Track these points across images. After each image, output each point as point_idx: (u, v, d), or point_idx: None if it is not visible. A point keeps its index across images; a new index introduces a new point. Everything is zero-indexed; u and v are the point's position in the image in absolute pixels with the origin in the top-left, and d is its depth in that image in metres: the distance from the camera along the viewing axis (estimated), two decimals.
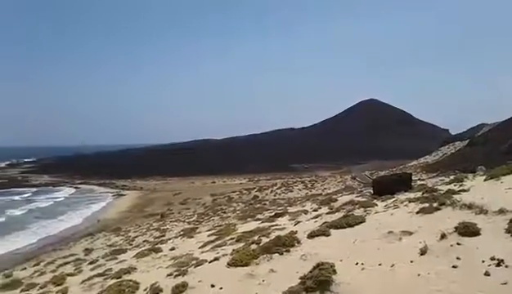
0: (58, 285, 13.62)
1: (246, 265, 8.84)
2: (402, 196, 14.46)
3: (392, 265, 6.62)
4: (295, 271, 7.53)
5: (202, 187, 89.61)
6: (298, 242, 9.62)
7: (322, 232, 9.93)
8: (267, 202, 44.38)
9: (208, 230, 20.74)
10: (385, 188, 18.52)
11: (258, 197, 57.82)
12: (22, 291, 15.30)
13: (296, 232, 10.84)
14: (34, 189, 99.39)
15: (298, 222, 14.57)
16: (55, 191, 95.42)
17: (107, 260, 17.23)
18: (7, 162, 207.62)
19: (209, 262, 10.24)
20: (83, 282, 12.56)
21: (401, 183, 18.62)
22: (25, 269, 27.71)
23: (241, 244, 11.67)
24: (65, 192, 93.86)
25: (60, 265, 21.38)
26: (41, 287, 14.37)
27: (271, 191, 62.77)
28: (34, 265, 27.68)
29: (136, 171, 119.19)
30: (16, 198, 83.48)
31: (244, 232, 14.58)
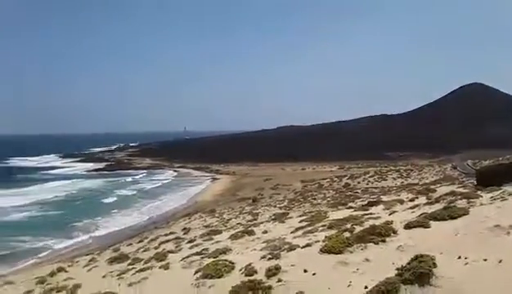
0: (160, 261, 14.66)
1: (339, 252, 8.78)
2: (511, 188, 13.30)
3: (500, 261, 6.14)
4: (391, 262, 7.31)
5: (292, 173, 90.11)
6: (395, 232, 9.31)
7: (421, 223, 9.50)
8: (359, 191, 43.39)
9: (299, 216, 20.86)
10: (490, 179, 17.11)
11: (349, 185, 56.77)
12: (129, 264, 16.72)
13: (392, 222, 10.50)
14: (141, 172, 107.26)
15: (394, 212, 14.09)
16: (157, 174, 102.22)
17: (204, 240, 18.13)
18: (115, 146, 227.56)
19: (302, 247, 10.33)
20: (183, 259, 13.36)
21: (510, 174, 17.06)
22: (131, 244, 30.22)
23: (333, 231, 11.59)
24: (167, 175, 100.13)
25: (162, 243, 22.92)
26: (145, 262, 15.56)
27: (364, 179, 61.17)
28: (139, 242, 30.06)
29: (230, 157, 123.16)
30: (124, 179, 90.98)
31: (335, 219, 14.44)
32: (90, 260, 23.88)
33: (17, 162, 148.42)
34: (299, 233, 13.45)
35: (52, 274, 20.06)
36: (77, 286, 13.45)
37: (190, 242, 19.24)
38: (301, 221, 17.18)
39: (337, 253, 8.74)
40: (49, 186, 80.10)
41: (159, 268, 13.07)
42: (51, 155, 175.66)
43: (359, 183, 58.51)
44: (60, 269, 20.93)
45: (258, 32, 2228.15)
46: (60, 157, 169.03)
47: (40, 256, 36.47)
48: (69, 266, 22.91)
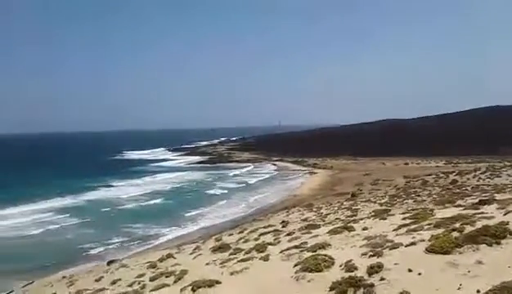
0: (260, 252, 15.00)
1: (447, 252, 8.25)
2: None
3: None
4: (507, 265, 6.72)
5: (393, 168, 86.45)
6: (511, 233, 8.50)
7: None
8: (469, 188, 40.22)
9: (402, 213, 19.95)
10: None
11: (457, 181, 52.84)
12: (230, 254, 17.37)
13: (507, 222, 9.59)
14: (241, 165, 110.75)
15: (510, 212, 12.84)
16: (256, 167, 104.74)
17: (302, 234, 18.18)
18: (218, 140, 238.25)
19: (405, 246, 9.89)
20: (282, 251, 13.54)
21: None
22: (232, 235, 31.33)
23: (440, 230, 10.90)
24: (265, 168, 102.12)
25: (261, 234, 23.42)
26: (246, 253, 16.04)
27: (474, 176, 56.47)
28: (239, 233, 31.05)
29: (327, 150, 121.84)
30: (225, 172, 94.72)
31: (443, 218, 13.56)
32: (195, 249, 25.28)
33: (130, 155, 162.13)
34: (402, 230, 12.87)
35: (162, 260, 21.61)
36: (184, 272, 14.31)
37: (288, 235, 19.42)
38: (404, 218, 16.42)
39: (445, 253, 8.23)
40: (159, 178, 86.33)
41: (259, 259, 13.38)
42: (160, 149, 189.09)
43: (468, 179, 54.20)
44: (169, 256, 22.46)
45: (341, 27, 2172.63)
46: (168, 150, 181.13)
47: (151, 242, 39.48)
48: (176, 253, 24.50)
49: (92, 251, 36.35)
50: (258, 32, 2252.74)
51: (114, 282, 18.11)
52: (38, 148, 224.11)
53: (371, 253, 9.80)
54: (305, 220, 30.76)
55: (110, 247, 37.78)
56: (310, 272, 9.31)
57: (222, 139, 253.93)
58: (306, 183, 74.14)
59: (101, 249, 37.00)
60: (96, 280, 20.92)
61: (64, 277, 27.92)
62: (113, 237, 40.42)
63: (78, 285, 21.34)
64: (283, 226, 27.49)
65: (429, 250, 8.60)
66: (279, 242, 17.48)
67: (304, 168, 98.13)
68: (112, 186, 74.99)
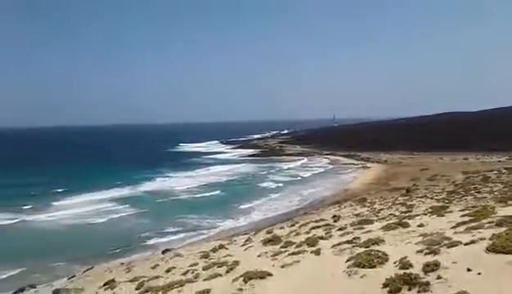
0: (311, 246, 14.95)
1: (510, 252, 7.84)
2: None
3: None
4: None
5: (452, 163, 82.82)
6: None
7: None
8: None
9: (461, 210, 19.13)
10: None
11: None
12: (281, 247, 17.43)
13: None
14: (292, 158, 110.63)
15: None
16: (308, 160, 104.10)
17: (354, 229, 17.92)
18: (268, 134, 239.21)
19: (464, 244, 9.50)
20: (334, 246, 13.42)
21: None
22: (283, 228, 31.41)
23: (503, 229, 10.36)
24: (316, 162, 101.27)
25: (313, 228, 23.34)
26: (297, 246, 16.04)
27: None
28: (290, 226, 31.09)
29: (381, 144, 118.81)
30: (277, 165, 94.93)
31: (506, 216, 12.88)
32: (246, 240, 25.60)
33: (186, 147, 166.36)
34: (461, 228, 12.36)
35: (214, 250, 22.09)
36: (236, 263, 14.55)
37: (340, 229, 19.20)
38: (463, 216, 15.74)
39: (507, 253, 7.82)
40: (212, 170, 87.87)
41: (311, 253, 13.35)
42: (214, 141, 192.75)
43: None
44: (221, 247, 22.93)
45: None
46: (221, 143, 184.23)
47: (204, 233, 40.39)
48: (228, 244, 24.95)
49: (149, 240, 37.72)
50: (313, 24, 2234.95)
51: (168, 271, 18.74)
52: (97, 140, 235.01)
53: (427, 251, 9.51)
54: (357, 215, 30.27)
55: (165, 236, 39.03)
56: (363, 268, 9.18)
57: (273, 132, 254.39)
58: (358, 177, 72.76)
59: (157, 238, 38.31)
60: (152, 268, 21.74)
61: (122, 263, 29.25)
62: (168, 227, 41.75)
63: (135, 272, 22.28)
64: (334, 221, 27.19)
65: (490, 249, 8.21)
66: (330, 236, 17.34)
67: (357, 162, 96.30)
68: (168, 177, 77.31)
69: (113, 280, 19.20)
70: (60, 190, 60.34)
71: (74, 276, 28.57)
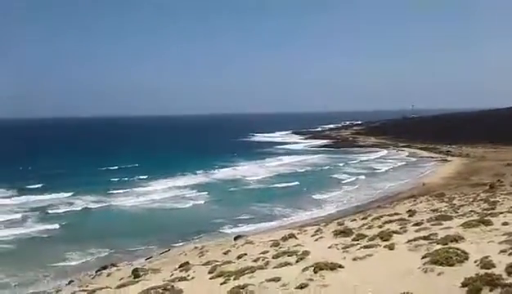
0: (385, 240, 14.52)
1: None
2: None
3: None
4: None
5: None
6: None
7: None
8: None
9: None
10: None
11: None
12: (353, 239, 17.13)
13: None
14: (367, 150, 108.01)
15: None
16: (382, 152, 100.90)
17: (432, 225, 17.13)
18: (339, 125, 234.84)
19: None
20: (409, 241, 12.93)
21: None
22: (355, 220, 30.86)
23: None
24: (392, 154, 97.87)
25: (386, 222, 22.64)
26: (369, 240, 15.67)
27: None
28: (362, 219, 30.45)
29: (463, 137, 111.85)
30: (350, 156, 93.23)
31: None
32: (316, 231, 25.49)
33: (258, 137, 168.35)
34: None
35: (284, 239, 22.24)
36: (306, 253, 14.53)
37: (415, 224, 18.45)
38: None
39: None
40: (284, 160, 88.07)
41: (384, 247, 12.97)
42: (286, 132, 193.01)
43: None
44: (291, 236, 23.02)
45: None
46: (294, 133, 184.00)
47: (275, 222, 40.83)
48: (298, 234, 24.99)
49: (221, 227, 38.89)
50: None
51: (240, 257, 19.19)
52: (172, 129, 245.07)
53: None
54: (435, 210, 28.86)
55: (238, 223, 39.99)
56: (440, 265, 8.77)
57: (347, 122, 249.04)
58: (437, 171, 69.31)
59: (229, 225, 39.38)
60: (224, 253, 22.41)
61: (196, 247, 30.45)
62: (240, 214, 42.71)
63: (207, 256, 23.11)
64: (410, 215, 26.19)
65: None
66: (405, 231, 16.73)
67: (436, 155, 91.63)
68: (241, 166, 78.79)
69: (187, 263, 20.05)
70: (140, 177, 63.80)
71: (152, 257, 30.27)
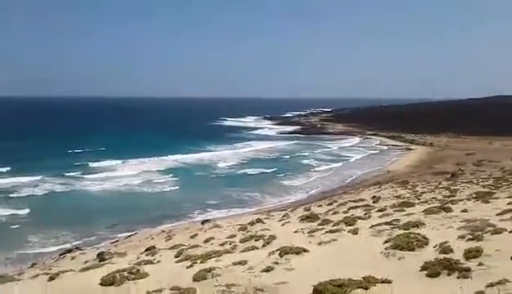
0: (349, 225, 14.89)
1: None
2: None
3: None
4: None
5: (502, 149, 79.22)
6: None
7: None
8: None
9: (508, 197, 18.42)
10: None
11: None
12: (319, 224, 17.48)
13: None
14: (336, 137, 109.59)
15: None
16: (346, 140, 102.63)
17: (394, 211, 17.67)
18: (308, 111, 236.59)
19: (509, 232, 9.19)
20: (372, 227, 13.31)
21: None
22: (321, 206, 31.42)
23: None
24: (356, 142, 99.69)
25: (351, 208, 23.20)
26: (334, 225, 16.02)
27: None
28: (328, 204, 31.04)
29: (427, 127, 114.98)
30: (318, 143, 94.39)
31: None
32: (283, 216, 25.82)
33: (228, 122, 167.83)
34: (508, 216, 11.93)
35: (252, 224, 22.44)
36: (272, 237, 14.72)
37: (379, 210, 18.99)
38: (510, 203, 15.17)
39: None
40: (254, 146, 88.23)
41: (348, 232, 13.30)
42: (255, 117, 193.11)
43: None
44: (259, 221, 23.25)
45: None
46: (263, 119, 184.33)
47: (242, 206, 41.00)
48: (265, 219, 25.26)
49: (189, 211, 38.70)
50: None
51: (207, 241, 19.24)
52: (145, 112, 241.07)
53: (470, 236, 9.27)
54: (398, 196, 29.74)
55: (205, 208, 39.91)
56: (401, 250, 9.07)
57: (314, 110, 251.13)
58: (401, 159, 71.16)
59: (197, 209, 39.24)
60: (191, 237, 22.39)
61: (163, 231, 30.29)
62: (208, 199, 42.60)
63: (175, 240, 23.03)
64: (374, 201, 26.89)
65: None
66: (369, 217, 17.19)
67: (401, 144, 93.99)
68: (211, 151, 78.52)
69: (154, 247, 19.96)
70: (108, 161, 62.40)
71: (118, 241, 29.91)
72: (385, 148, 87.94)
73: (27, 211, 36.98)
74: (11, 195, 42.34)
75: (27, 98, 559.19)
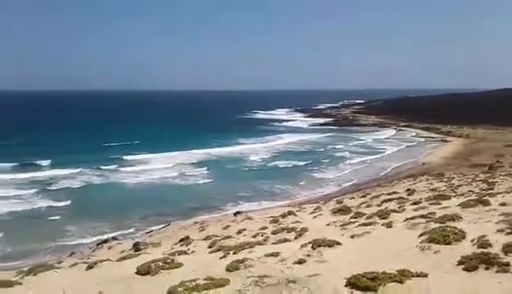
0: (383, 218, 14.68)
1: None
2: None
3: None
4: None
5: None
6: None
7: None
8: None
9: None
10: None
11: None
12: (351, 217, 17.31)
13: None
14: (368, 129, 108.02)
15: None
16: (381, 132, 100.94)
17: (430, 204, 17.27)
18: (340, 103, 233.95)
19: None
20: (407, 220, 13.07)
21: None
22: (353, 198, 31.11)
23: None
24: (390, 134, 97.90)
25: (385, 201, 22.83)
26: (368, 218, 15.82)
27: None
28: (361, 197, 30.67)
29: (463, 118, 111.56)
30: (351, 135, 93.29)
31: None
32: (315, 209, 25.71)
33: (259, 114, 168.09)
34: None
35: (283, 216, 22.47)
36: (304, 229, 14.71)
37: (414, 203, 18.60)
38: None
39: None
40: (285, 139, 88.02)
41: (382, 225, 13.12)
42: (286, 109, 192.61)
43: None
44: (290, 213, 23.25)
45: None
46: (294, 111, 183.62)
47: (275, 199, 41.12)
48: (297, 211, 25.23)
49: (221, 203, 39.15)
50: None
51: (239, 232, 19.42)
52: (175, 105, 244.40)
53: (509, 230, 8.98)
54: (434, 189, 29.03)
55: (237, 200, 40.26)
56: (437, 243, 8.88)
57: (346, 101, 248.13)
58: (437, 151, 69.43)
59: (229, 201, 39.65)
60: (224, 228, 22.66)
61: (196, 222, 30.76)
62: (240, 191, 42.97)
63: (207, 231, 23.36)
64: (408, 194, 26.38)
65: None
66: (403, 210, 16.88)
67: (436, 135, 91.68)
68: (242, 144, 78.87)
69: (187, 237, 20.29)
70: (141, 154, 63.82)
71: (152, 231, 30.60)
72: (422, 140, 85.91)
73: (66, 202, 38.32)
74: (50, 187, 43.93)
75: (56, 92, 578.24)
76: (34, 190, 42.29)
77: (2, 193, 40.76)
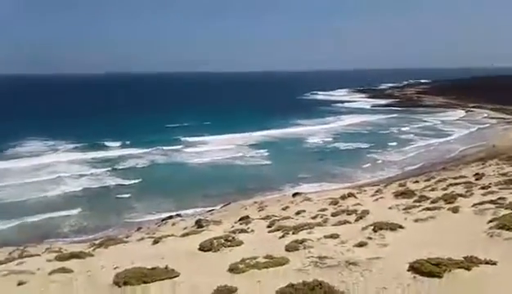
0: (449, 203, 14.12)
1: None
2: None
3: None
4: None
5: None
6: None
7: None
8: None
9: None
10: None
11: None
12: (415, 201, 16.78)
13: None
14: (434, 110, 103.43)
15: None
16: (448, 114, 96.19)
17: (500, 189, 16.37)
18: (405, 83, 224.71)
19: None
20: (474, 205, 12.48)
21: None
22: (417, 182, 30.08)
23: None
24: (457, 115, 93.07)
25: (451, 185, 21.90)
26: (432, 202, 15.29)
27: None
28: (426, 181, 29.61)
29: None
30: (415, 117, 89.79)
31: None
32: (376, 191, 25.22)
33: (318, 95, 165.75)
34: None
35: (343, 198, 22.26)
36: (365, 212, 14.50)
37: (482, 188, 17.71)
38: None
39: None
40: (345, 120, 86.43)
41: (448, 210, 12.62)
42: (347, 90, 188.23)
43: None
44: (351, 195, 22.97)
45: None
46: (354, 91, 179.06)
47: (334, 180, 40.74)
48: (357, 193, 24.86)
49: (281, 183, 39.41)
50: None
51: (298, 213, 19.51)
52: (235, 86, 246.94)
53: None
54: (504, 174, 27.37)
55: (296, 181, 40.33)
56: (508, 230, 8.42)
57: (411, 81, 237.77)
58: (509, 133, 65.11)
59: (288, 182, 39.81)
60: (283, 209, 22.85)
61: (255, 202, 31.26)
62: (299, 172, 42.96)
63: (267, 211, 23.68)
64: (477, 179, 25.08)
65: None
66: (471, 194, 16.14)
67: (508, 116, 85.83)
68: (301, 126, 78.53)
69: (247, 216, 20.70)
70: (203, 135, 65.59)
71: (214, 210, 31.51)
72: (494, 121, 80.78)
73: (133, 181, 40.42)
74: (119, 166, 46.43)
75: (110, 74, 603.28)
76: (105, 169, 44.91)
77: (78, 171, 43.78)
